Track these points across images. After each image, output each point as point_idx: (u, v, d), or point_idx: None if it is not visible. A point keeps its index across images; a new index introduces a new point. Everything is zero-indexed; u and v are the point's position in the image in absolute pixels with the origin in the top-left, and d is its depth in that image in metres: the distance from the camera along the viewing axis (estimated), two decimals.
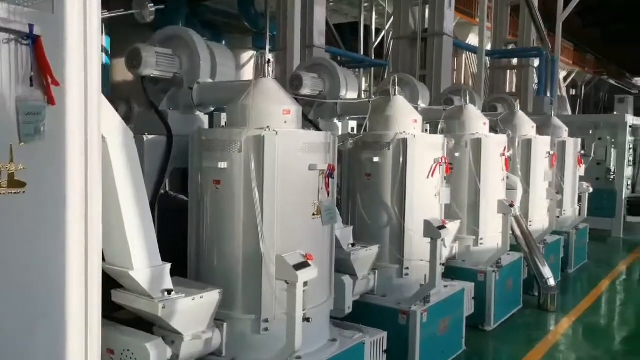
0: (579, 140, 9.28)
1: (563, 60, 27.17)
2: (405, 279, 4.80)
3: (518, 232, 6.69)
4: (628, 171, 12.61)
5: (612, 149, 11.99)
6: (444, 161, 4.95)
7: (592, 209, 10.96)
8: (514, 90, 16.39)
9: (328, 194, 3.60)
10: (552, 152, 7.80)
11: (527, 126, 7.67)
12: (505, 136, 6.52)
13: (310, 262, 3.15)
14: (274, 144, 3.33)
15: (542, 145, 7.71)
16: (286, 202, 3.38)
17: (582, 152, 9.30)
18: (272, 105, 3.50)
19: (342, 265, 4.40)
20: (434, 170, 4.87)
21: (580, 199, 9.07)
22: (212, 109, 4.27)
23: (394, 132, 4.80)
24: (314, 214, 3.53)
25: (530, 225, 7.39)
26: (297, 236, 3.43)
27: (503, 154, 6.28)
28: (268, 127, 3.38)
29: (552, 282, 6.68)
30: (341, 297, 4.21)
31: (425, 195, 4.87)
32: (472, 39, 18.99)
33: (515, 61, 16.69)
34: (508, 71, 16.66)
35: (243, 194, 3.37)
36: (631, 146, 12.65)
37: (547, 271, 6.70)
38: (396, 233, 4.80)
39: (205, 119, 4.29)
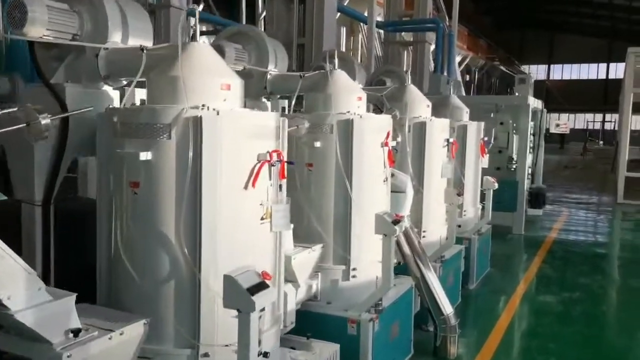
0: (482, 124, 7.42)
1: (458, 45, 26.58)
2: None
3: (407, 249, 4.76)
4: (529, 159, 11.31)
5: (514, 135, 10.44)
6: (277, 159, 2.80)
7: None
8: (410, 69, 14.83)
9: None
10: (452, 140, 5.93)
11: (420, 105, 5.67)
12: (389, 117, 4.52)
13: None
14: None
15: (439, 131, 5.77)
16: None
17: (486, 138, 7.51)
18: None
19: None
20: (257, 173, 2.71)
21: (483, 197, 7.37)
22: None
23: (181, 107, 2.58)
24: None
25: (423, 237, 5.55)
26: None
27: (386, 143, 4.30)
28: None
29: (452, 319, 4.84)
30: None
31: (241, 222, 2.70)
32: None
33: (411, 38, 15.09)
34: (401, 49, 15.03)
35: None
36: (531, 131, 11.20)
37: (446, 304, 4.85)
38: (186, 295, 2.60)
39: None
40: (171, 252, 2.59)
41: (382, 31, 15.54)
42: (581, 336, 5.64)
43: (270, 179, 2.81)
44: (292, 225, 3.05)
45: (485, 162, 7.55)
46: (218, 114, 2.57)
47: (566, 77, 55.42)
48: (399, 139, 5.24)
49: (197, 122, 2.53)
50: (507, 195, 9.98)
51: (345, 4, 13.62)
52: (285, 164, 2.86)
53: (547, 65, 55.90)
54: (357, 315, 3.96)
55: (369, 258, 4.15)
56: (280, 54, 4.88)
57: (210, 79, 2.70)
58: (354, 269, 4.11)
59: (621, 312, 6.73)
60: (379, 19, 15.53)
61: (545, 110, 12.26)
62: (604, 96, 50.71)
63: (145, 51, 2.77)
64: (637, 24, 39.58)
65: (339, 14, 10.82)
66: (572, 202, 15.38)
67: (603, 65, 52.74)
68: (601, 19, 43.15)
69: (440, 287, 4.88)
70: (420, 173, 5.57)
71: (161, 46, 2.87)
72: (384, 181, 4.32)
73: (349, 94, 4.14)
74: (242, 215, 2.70)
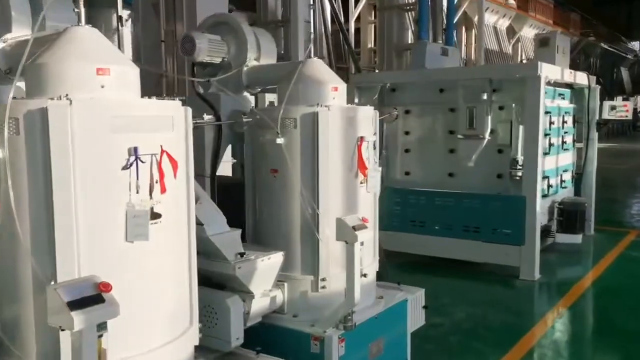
0: (361, 109, 3.93)
1: (540, 19, 25.10)
2: None
3: None
4: (565, 159, 7.91)
5: (519, 125, 6.95)
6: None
7: (487, 232, 6.80)
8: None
9: None
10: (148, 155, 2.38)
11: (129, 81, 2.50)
12: None
13: None
14: None
15: (101, 133, 2.25)
16: None
17: (374, 138, 3.98)
18: None
19: None
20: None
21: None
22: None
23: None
24: None
25: None
26: None
27: None
28: None
29: None
30: None
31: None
32: None
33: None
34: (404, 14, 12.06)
35: None
36: (565, 119, 7.82)
37: None
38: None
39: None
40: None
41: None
42: None
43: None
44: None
45: (374, 184, 3.94)
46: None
47: None
48: None
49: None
50: (510, 219, 6.68)
51: None
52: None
53: None
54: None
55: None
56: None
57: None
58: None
59: None
60: None
61: (597, 87, 8.55)
62: None
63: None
64: None
65: None
66: None
67: None
68: None
69: None
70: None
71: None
72: None
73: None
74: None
